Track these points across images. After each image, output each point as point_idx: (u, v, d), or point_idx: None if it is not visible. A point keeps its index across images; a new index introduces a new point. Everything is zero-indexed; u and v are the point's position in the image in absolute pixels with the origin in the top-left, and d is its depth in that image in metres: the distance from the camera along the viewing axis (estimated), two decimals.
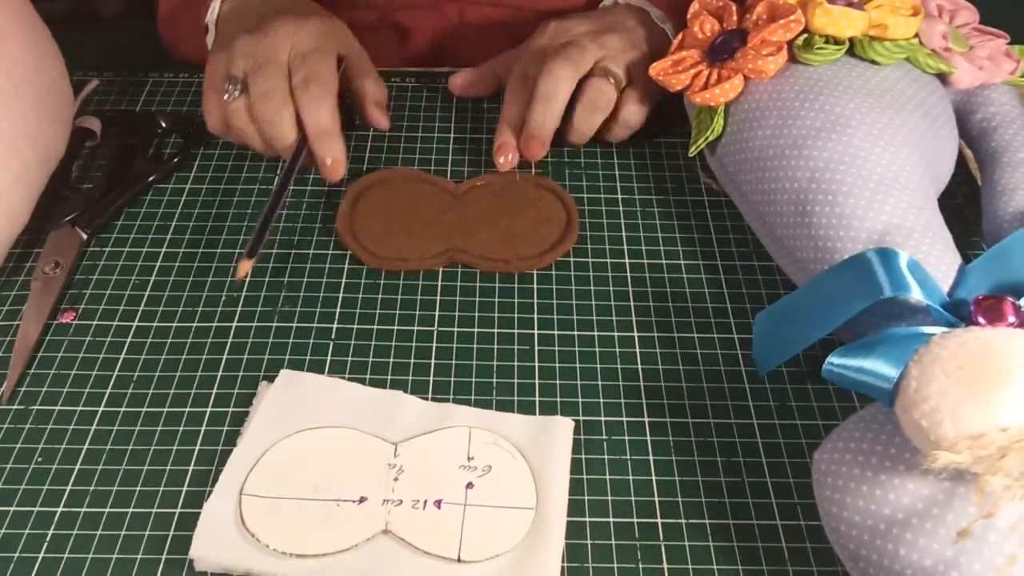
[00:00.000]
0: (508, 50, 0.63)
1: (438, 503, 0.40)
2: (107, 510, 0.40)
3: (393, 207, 0.54)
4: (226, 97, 0.53)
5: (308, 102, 0.52)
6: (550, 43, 0.58)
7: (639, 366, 0.47)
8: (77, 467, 0.42)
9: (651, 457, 0.43)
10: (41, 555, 0.39)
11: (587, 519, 0.40)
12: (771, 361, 0.46)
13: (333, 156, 0.52)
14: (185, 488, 0.41)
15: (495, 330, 0.48)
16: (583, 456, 0.43)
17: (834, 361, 0.37)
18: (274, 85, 0.52)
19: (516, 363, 0.47)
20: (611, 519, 0.41)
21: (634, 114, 0.57)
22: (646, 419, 0.44)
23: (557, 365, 0.47)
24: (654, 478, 0.42)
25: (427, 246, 0.52)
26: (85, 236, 0.52)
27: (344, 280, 0.51)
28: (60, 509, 0.40)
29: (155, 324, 0.48)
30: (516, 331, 0.48)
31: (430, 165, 0.58)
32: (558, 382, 0.46)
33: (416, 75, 0.66)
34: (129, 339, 0.47)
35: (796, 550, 0.40)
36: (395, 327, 0.48)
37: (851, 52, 0.50)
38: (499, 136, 0.56)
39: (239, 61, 0.53)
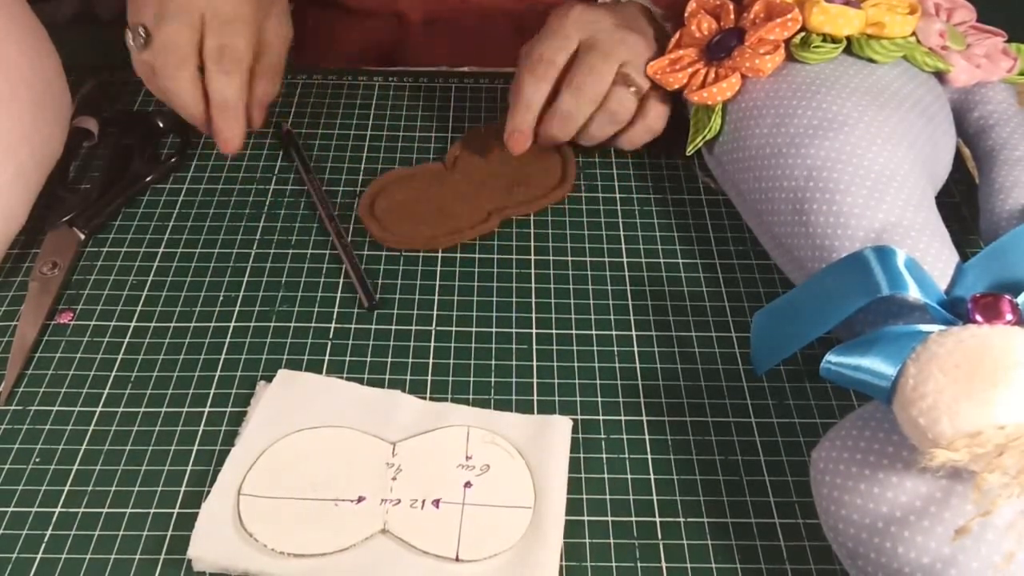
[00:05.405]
0: (510, 42, 0.62)
1: (436, 502, 0.40)
2: (105, 510, 0.40)
3: (415, 200, 0.55)
4: (130, 43, 0.50)
5: (217, 73, 0.49)
6: (574, 31, 0.54)
7: (637, 365, 0.47)
8: (75, 468, 0.42)
9: (649, 456, 0.43)
10: (39, 556, 0.39)
11: (585, 518, 0.40)
12: (769, 360, 0.46)
13: (230, 133, 0.50)
14: (183, 488, 0.41)
15: (493, 329, 0.48)
16: (581, 455, 0.43)
17: (832, 359, 0.37)
18: (176, 39, 0.48)
19: (514, 362, 0.47)
20: (609, 518, 0.41)
21: (657, 119, 0.55)
22: (644, 418, 0.44)
23: (555, 364, 0.47)
24: (652, 477, 0.42)
25: (463, 220, 0.53)
26: (83, 236, 0.52)
27: (341, 280, 0.51)
28: (58, 509, 0.40)
29: (153, 324, 0.48)
30: (514, 330, 0.48)
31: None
32: (556, 381, 0.46)
33: (403, 74, 0.66)
34: (127, 339, 0.47)
35: (794, 548, 0.40)
36: (393, 327, 0.48)
37: (848, 51, 0.51)
38: (513, 118, 0.54)
39: (147, 7, 0.49)
